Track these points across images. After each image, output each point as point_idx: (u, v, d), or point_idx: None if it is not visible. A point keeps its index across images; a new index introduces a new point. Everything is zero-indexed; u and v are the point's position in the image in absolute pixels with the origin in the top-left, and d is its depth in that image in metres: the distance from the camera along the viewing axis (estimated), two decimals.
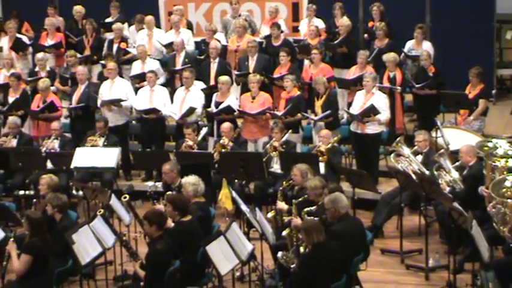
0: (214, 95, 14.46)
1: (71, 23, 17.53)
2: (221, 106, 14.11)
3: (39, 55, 16.27)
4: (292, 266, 9.06)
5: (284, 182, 11.34)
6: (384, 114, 13.41)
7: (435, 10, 17.20)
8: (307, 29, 16.52)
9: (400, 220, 11.91)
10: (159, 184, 12.12)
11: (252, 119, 13.99)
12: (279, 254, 9.39)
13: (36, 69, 16.17)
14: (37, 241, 9.20)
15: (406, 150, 12.22)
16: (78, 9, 17.43)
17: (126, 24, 17.34)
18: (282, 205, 10.95)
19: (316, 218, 9.81)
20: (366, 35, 16.72)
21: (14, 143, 13.98)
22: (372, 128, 13.45)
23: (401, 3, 16.93)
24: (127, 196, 10.74)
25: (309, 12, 17.00)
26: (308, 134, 14.48)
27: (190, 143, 13.30)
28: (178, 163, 11.88)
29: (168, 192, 11.14)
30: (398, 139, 12.63)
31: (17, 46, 16.92)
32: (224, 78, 14.41)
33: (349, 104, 14.21)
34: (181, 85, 14.93)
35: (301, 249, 9.39)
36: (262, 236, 10.03)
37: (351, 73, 14.91)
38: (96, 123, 13.98)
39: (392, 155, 12.45)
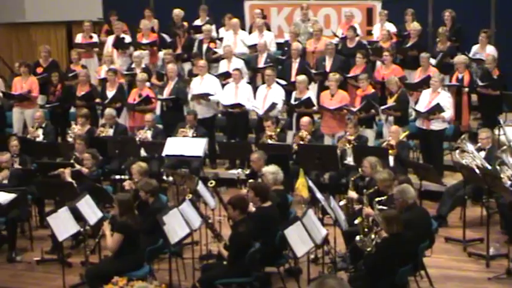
0: (294, 92, 14.49)
1: (170, 24, 17.69)
2: (301, 100, 14.15)
3: (136, 53, 16.50)
4: (368, 250, 9.00)
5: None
6: (448, 113, 13.31)
7: (500, 16, 16.95)
8: (380, 32, 16.46)
9: (464, 211, 11.82)
10: (244, 171, 12.18)
11: (331, 115, 13.98)
12: (357, 237, 9.34)
13: (133, 65, 16.38)
14: (127, 220, 9.34)
15: (470, 147, 12.05)
16: (177, 13, 17.56)
17: (214, 26, 17.45)
18: (352, 194, 10.92)
19: (385, 208, 9.79)
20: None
21: (110, 132, 14.19)
22: (436, 125, 13.37)
23: (468, 9, 16.69)
24: (213, 182, 10.82)
25: (381, 17, 16.92)
26: (380, 130, 14.41)
27: (270, 133, 13.35)
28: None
29: (250, 180, 11.21)
30: (463, 136, 12.51)
31: (119, 44, 17.15)
32: (301, 77, 14.44)
33: (416, 102, 14.12)
34: (263, 83, 14.99)
35: (372, 235, 9.34)
36: (335, 222, 10.03)
37: (416, 75, 14.81)
38: (187, 116, 14.12)
39: (457, 150, 12.30)
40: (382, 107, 13.76)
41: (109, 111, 14.54)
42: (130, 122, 15.00)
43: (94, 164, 12.13)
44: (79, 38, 17.57)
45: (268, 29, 17.28)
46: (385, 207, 9.80)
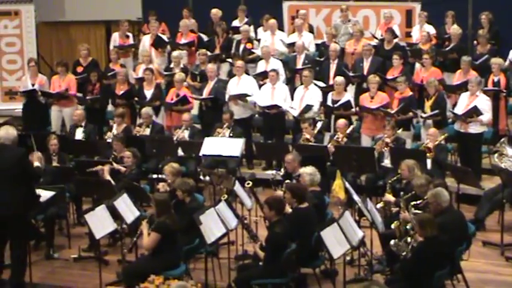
0: (330, 93, 14.46)
1: (208, 24, 17.74)
2: (340, 102, 14.12)
3: (175, 53, 16.56)
4: (403, 254, 8.96)
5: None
6: (486, 116, 13.20)
7: None
8: (419, 34, 16.37)
9: (502, 215, 11.71)
10: (279, 173, 12.18)
11: (372, 117, 13.94)
12: (392, 242, 9.29)
13: (171, 65, 16.45)
14: (165, 220, 9.37)
15: (509, 151, 11.97)
16: (215, 12, 17.60)
17: (252, 27, 17.46)
18: (389, 197, 10.84)
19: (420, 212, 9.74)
20: (475, 42, 16.40)
21: (147, 131, 14.26)
22: (474, 128, 13.25)
23: (508, 12, 16.54)
24: (250, 182, 10.83)
25: (421, 18, 16.81)
26: (417, 132, 14.33)
27: (308, 136, 13.34)
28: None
29: (287, 181, 11.20)
30: (501, 140, 12.42)
31: (157, 43, 17.23)
32: (340, 79, 14.42)
33: (453, 105, 14.03)
34: (301, 83, 14.97)
35: (408, 239, 9.29)
36: (372, 224, 9.99)
37: (456, 77, 14.70)
38: (223, 115, 14.15)
39: (495, 154, 12.21)
40: (424, 115, 13.65)
41: (146, 110, 14.60)
42: (168, 121, 15.06)
43: (134, 163, 12.18)
44: (115, 37, 17.66)
45: (311, 31, 17.23)
46: (420, 211, 9.76)
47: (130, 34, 17.60)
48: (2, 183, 9.38)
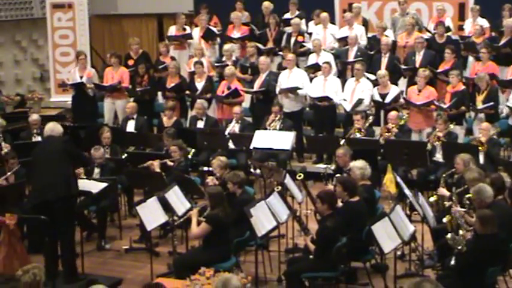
0: (376, 88, 14.39)
1: (259, 17, 17.74)
2: (388, 97, 14.05)
3: (227, 46, 16.61)
4: (458, 248, 8.86)
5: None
6: None
7: None
8: (472, 27, 16.20)
9: None
10: (331, 167, 12.16)
11: (418, 110, 13.84)
12: (449, 235, 9.19)
13: (223, 58, 16.49)
14: (218, 213, 9.40)
15: None
16: (267, 5, 17.57)
17: (303, 20, 17.42)
18: (443, 191, 10.75)
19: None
20: None
21: (200, 124, 14.32)
22: None
23: None
24: (301, 175, 10.83)
25: (474, 12, 16.63)
26: (470, 126, 14.19)
27: (359, 126, 13.29)
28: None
29: (337, 175, 11.17)
30: None
31: (207, 36, 17.28)
32: (383, 71, 14.38)
33: (508, 99, 13.87)
34: (352, 76, 14.92)
35: (460, 231, 9.21)
36: (423, 219, 9.91)
37: (509, 72, 14.52)
38: (272, 108, 14.12)
39: None
40: (479, 107, 13.52)
41: (200, 102, 14.68)
42: (219, 114, 15.09)
43: (182, 156, 12.23)
44: (172, 30, 17.73)
45: (365, 24, 17.15)
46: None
47: (187, 27, 17.63)
48: (47, 169, 9.62)
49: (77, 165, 10.42)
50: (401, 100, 14.18)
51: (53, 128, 10.06)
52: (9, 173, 11.44)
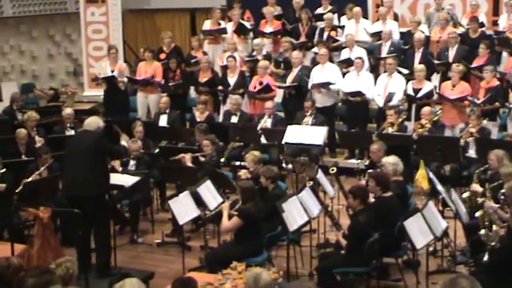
0: (410, 82, 14.32)
1: (289, 11, 17.73)
2: (421, 92, 13.98)
3: (256, 40, 16.65)
4: (492, 244, 8.81)
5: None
6: None
7: None
8: (507, 22, 16.06)
9: None
10: (364, 162, 12.14)
11: (451, 106, 13.76)
12: (482, 231, 9.14)
13: (254, 53, 16.51)
14: (250, 207, 9.41)
15: None
16: (298, 0, 17.57)
17: (335, 15, 17.38)
18: (476, 187, 10.68)
19: None
20: None
21: (234, 119, 14.35)
22: None
23: None
24: (334, 168, 10.82)
25: (508, 7, 16.47)
26: (504, 122, 14.09)
27: (392, 120, 13.24)
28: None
29: (369, 170, 11.14)
30: None
31: (240, 30, 17.30)
32: (420, 66, 14.28)
33: None
34: (385, 71, 14.87)
35: (494, 227, 9.16)
36: (456, 215, 9.86)
37: None
38: (305, 103, 14.12)
39: None
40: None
41: (235, 97, 14.72)
42: (251, 109, 15.11)
43: (214, 150, 12.26)
44: (207, 25, 17.76)
45: (396, 19, 17.08)
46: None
47: (222, 22, 17.66)
48: (78, 165, 9.62)
49: (111, 159, 10.44)
50: (434, 97, 14.09)
51: (91, 122, 9.98)
52: (42, 168, 11.53)
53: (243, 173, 11.27)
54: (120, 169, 11.84)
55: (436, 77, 15.11)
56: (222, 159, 12.80)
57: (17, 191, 10.97)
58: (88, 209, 9.47)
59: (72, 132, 13.46)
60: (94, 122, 10.00)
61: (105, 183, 9.87)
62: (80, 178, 9.57)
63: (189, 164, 11.81)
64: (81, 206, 9.46)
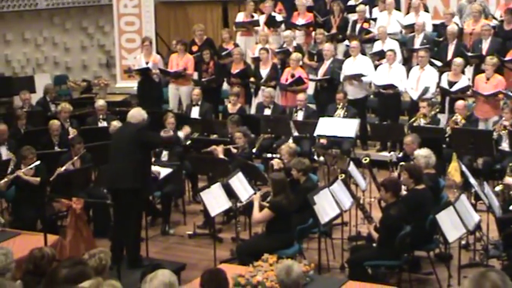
0: (445, 74, 14.22)
1: (320, 4, 17.67)
2: (456, 86, 13.88)
3: (286, 32, 16.63)
4: None
5: None
6: None
7: None
8: None
9: None
10: (397, 154, 12.09)
11: (485, 99, 13.64)
12: None
13: (284, 45, 16.49)
14: (282, 200, 9.40)
15: None
16: None
17: (367, 6, 17.30)
18: (510, 180, 10.58)
19: None
20: None
21: (267, 112, 14.33)
22: None
23: None
24: (367, 158, 10.79)
25: None
26: None
27: (425, 111, 13.16)
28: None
29: (401, 163, 11.09)
30: None
31: (270, 23, 17.29)
32: (458, 60, 14.13)
33: None
34: (417, 64, 14.79)
35: None
36: (488, 208, 9.80)
37: None
38: (336, 95, 14.08)
39: None
40: None
41: (269, 90, 14.72)
42: (283, 101, 15.10)
43: (246, 142, 12.27)
44: (240, 17, 17.75)
45: (426, 10, 16.98)
46: None
47: (255, 14, 17.65)
48: (119, 158, 9.62)
49: (154, 148, 10.35)
50: (469, 92, 13.98)
51: (134, 114, 9.89)
52: (75, 158, 11.61)
53: (276, 163, 11.27)
54: (153, 159, 11.88)
55: (469, 70, 14.98)
56: (254, 150, 12.81)
57: (50, 179, 11.06)
58: (124, 201, 9.52)
59: (105, 124, 13.55)
60: (138, 114, 9.90)
61: (143, 178, 9.76)
62: (118, 171, 9.57)
63: (221, 156, 11.82)
64: (120, 197, 9.53)
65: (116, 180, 9.60)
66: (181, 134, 10.47)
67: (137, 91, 16.86)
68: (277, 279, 6.92)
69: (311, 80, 15.14)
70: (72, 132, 13.27)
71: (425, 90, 14.05)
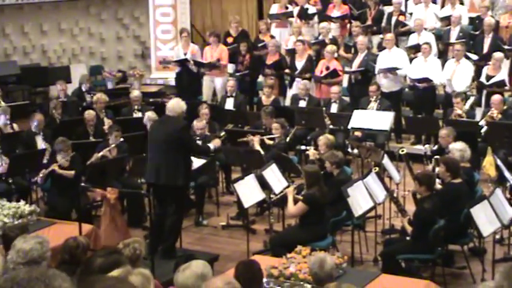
0: (485, 67, 14.10)
1: None
2: (493, 79, 13.76)
3: (322, 24, 16.60)
4: None
5: None
6: None
7: None
8: None
9: None
10: (432, 147, 12.02)
11: None
12: None
13: (320, 37, 16.45)
14: (315, 192, 9.38)
15: None
16: None
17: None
18: None
19: None
20: None
21: (302, 104, 14.30)
22: None
23: None
24: (404, 149, 10.75)
25: None
26: None
27: (459, 111, 13.06)
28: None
29: (436, 156, 11.03)
30: None
31: (303, 15, 17.25)
32: (499, 54, 14.01)
33: None
34: (453, 57, 14.68)
35: None
36: None
37: None
38: (369, 87, 14.01)
39: None
40: None
41: (304, 82, 14.68)
42: (317, 93, 15.07)
43: (282, 134, 12.26)
44: (274, 8, 17.74)
45: (461, 3, 16.87)
46: None
47: (290, 6, 17.63)
48: (160, 153, 9.58)
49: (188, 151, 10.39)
50: (506, 87, 13.86)
51: (174, 106, 9.75)
52: (112, 145, 11.67)
53: (312, 154, 11.26)
54: None
55: (506, 63, 14.85)
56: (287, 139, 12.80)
57: (87, 163, 11.17)
58: (168, 195, 9.56)
59: (139, 115, 13.59)
60: (177, 107, 9.76)
61: (188, 175, 9.82)
62: (160, 168, 9.53)
63: (257, 146, 11.82)
64: (162, 191, 9.56)
65: (159, 176, 9.56)
66: (211, 145, 10.49)
67: (175, 82, 16.91)
68: (310, 272, 6.92)
69: (345, 72, 15.09)
70: (107, 122, 13.32)
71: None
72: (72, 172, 11.04)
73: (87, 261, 5.36)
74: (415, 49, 15.28)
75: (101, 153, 11.51)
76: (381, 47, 15.82)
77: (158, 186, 9.65)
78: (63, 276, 2.90)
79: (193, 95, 15.89)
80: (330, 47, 15.09)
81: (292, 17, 17.37)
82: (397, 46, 15.26)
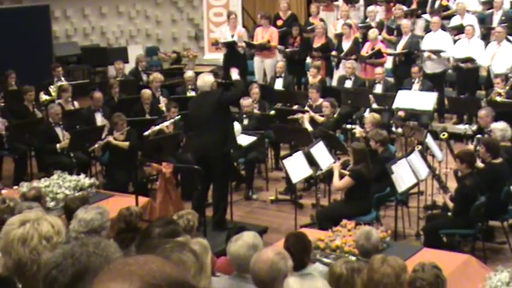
0: None
1: None
2: None
3: (370, 7, 16.51)
4: None
5: None
6: None
7: None
8: None
9: None
10: (472, 127, 11.93)
11: None
12: None
13: (367, 20, 16.35)
14: (362, 168, 9.40)
15: None
16: None
17: None
18: None
19: None
20: None
21: (348, 84, 14.26)
22: None
23: None
24: (445, 133, 10.69)
25: None
26: None
27: (500, 91, 12.93)
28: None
29: (477, 135, 10.95)
30: None
31: None
32: None
33: None
34: (495, 40, 14.51)
35: None
36: None
37: None
38: (412, 69, 13.84)
39: None
40: None
41: (350, 62, 14.61)
42: (362, 74, 15.00)
43: (332, 112, 12.25)
44: None
45: None
46: None
47: None
48: (206, 126, 9.70)
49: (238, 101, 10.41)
50: None
51: (206, 81, 9.97)
52: (171, 120, 11.77)
53: (358, 132, 11.27)
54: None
55: None
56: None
57: (145, 133, 11.36)
58: (213, 167, 9.65)
59: (193, 94, 13.66)
60: (208, 80, 10.00)
61: (231, 141, 9.98)
62: (208, 140, 9.65)
63: (307, 125, 11.83)
64: (209, 163, 9.65)
65: (207, 149, 9.70)
66: (235, 76, 10.56)
67: (223, 63, 16.94)
68: (356, 244, 6.94)
69: (389, 54, 15.00)
70: (163, 101, 13.42)
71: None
72: (127, 143, 11.16)
73: (145, 231, 5.43)
74: (458, 30, 15.11)
75: (157, 127, 11.62)
76: (426, 29, 15.66)
77: (206, 159, 9.73)
78: (114, 246, 2.92)
79: (240, 76, 15.81)
80: (372, 33, 15.01)
81: (337, 0, 17.28)
82: (442, 29, 15.10)
